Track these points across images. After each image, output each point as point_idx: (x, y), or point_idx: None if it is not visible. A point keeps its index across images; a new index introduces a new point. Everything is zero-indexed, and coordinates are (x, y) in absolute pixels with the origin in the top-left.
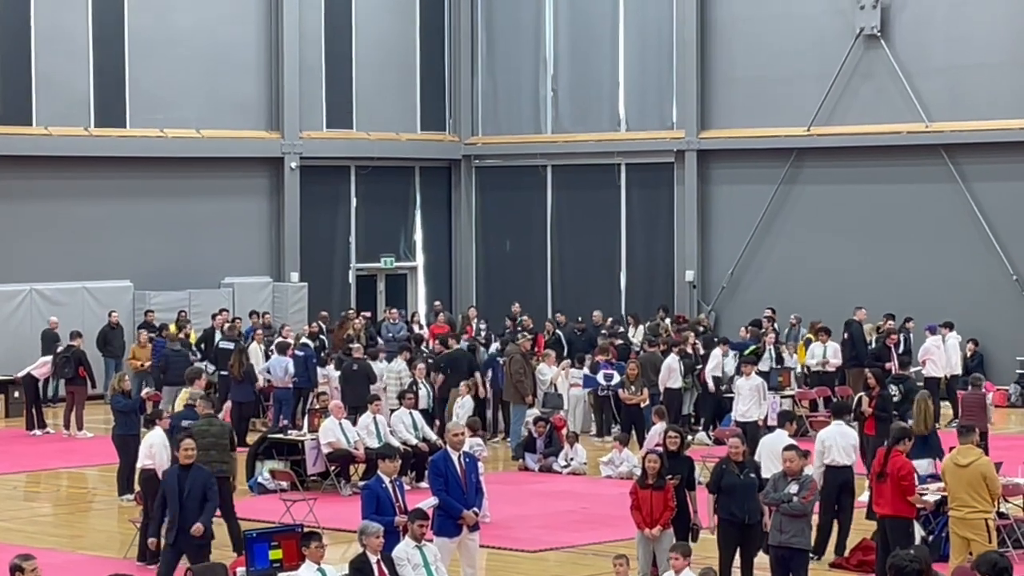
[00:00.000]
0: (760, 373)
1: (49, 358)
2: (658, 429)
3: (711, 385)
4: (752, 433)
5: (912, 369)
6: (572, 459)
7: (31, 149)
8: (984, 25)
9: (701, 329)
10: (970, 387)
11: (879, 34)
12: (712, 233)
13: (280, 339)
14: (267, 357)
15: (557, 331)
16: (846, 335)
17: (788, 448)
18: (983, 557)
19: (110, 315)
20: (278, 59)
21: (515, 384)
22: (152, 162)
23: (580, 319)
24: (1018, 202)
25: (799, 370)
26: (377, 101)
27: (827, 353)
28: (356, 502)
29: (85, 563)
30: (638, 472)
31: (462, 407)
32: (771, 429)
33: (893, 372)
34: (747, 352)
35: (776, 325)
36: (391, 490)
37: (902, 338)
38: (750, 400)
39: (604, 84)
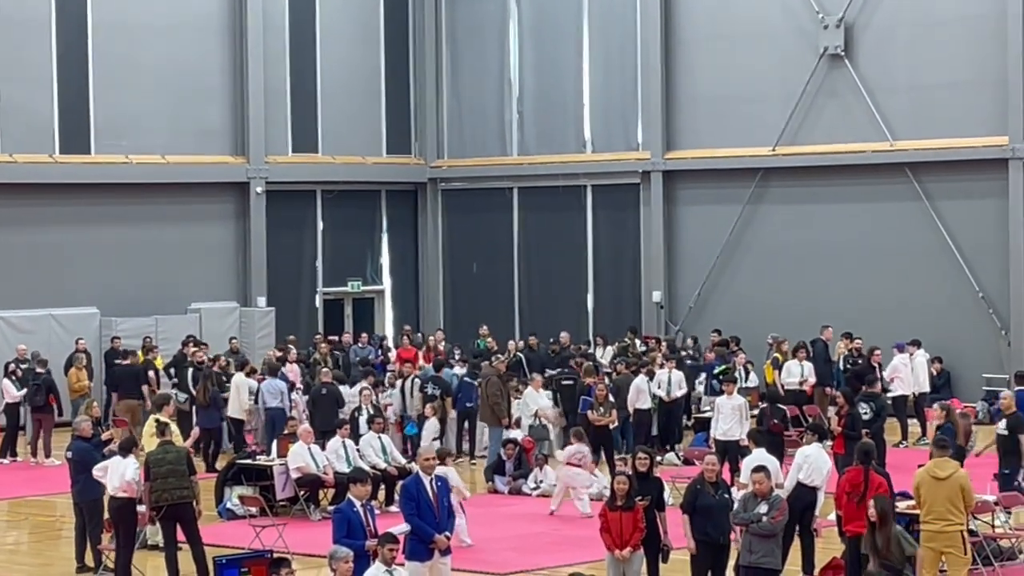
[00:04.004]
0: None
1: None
2: (572, 450)
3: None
4: (733, 452)
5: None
6: (542, 481)
7: None
8: (947, 43)
9: (684, 354)
10: (960, 416)
11: (843, 53)
12: (679, 253)
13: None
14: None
15: (519, 353)
16: (811, 354)
17: (756, 470)
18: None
19: (77, 342)
20: (243, 84)
21: (491, 406)
22: (117, 188)
23: (553, 340)
24: (983, 220)
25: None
26: (342, 125)
27: (805, 372)
28: (326, 527)
29: None
30: (608, 493)
31: (427, 429)
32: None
33: (865, 390)
34: (717, 372)
35: (740, 344)
36: (362, 514)
37: (859, 356)
38: (731, 419)
39: (569, 106)
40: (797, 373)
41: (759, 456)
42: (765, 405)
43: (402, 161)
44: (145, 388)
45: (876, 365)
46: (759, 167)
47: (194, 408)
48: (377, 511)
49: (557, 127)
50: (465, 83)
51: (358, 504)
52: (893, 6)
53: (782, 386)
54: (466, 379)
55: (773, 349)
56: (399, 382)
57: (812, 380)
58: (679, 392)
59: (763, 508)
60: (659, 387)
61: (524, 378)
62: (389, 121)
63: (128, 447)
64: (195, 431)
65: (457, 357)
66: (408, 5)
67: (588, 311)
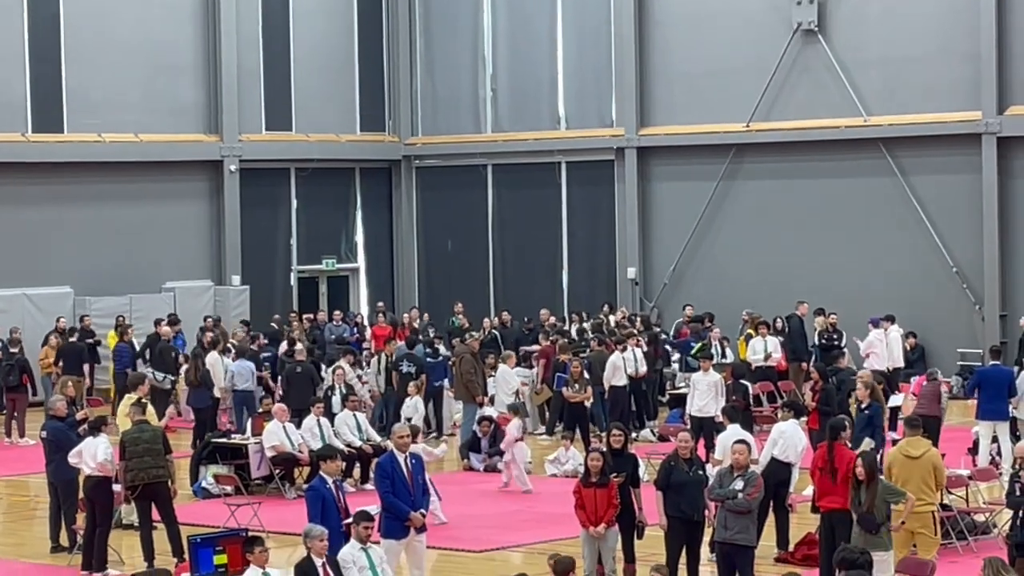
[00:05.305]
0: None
1: None
2: (516, 424)
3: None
4: (709, 428)
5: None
6: None
7: None
8: (920, 19)
9: (657, 330)
10: (927, 379)
11: (816, 29)
12: (653, 230)
13: (239, 343)
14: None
15: (494, 330)
16: (787, 329)
17: (738, 442)
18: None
19: (58, 321)
20: (216, 62)
21: (465, 384)
22: (90, 167)
23: (528, 319)
24: (956, 194)
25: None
26: (316, 103)
27: (768, 347)
28: (301, 505)
29: (28, 571)
30: (582, 470)
31: (412, 408)
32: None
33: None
34: (695, 350)
35: (714, 320)
36: (334, 491)
37: (835, 332)
38: (707, 395)
39: (543, 83)
40: (760, 349)
41: (734, 432)
42: (731, 380)
43: (376, 139)
44: (85, 366)
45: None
46: (733, 143)
47: (175, 388)
48: (352, 489)
49: (531, 104)
50: (439, 60)
51: (330, 481)
52: None
53: (749, 363)
54: (427, 359)
55: (747, 325)
56: (374, 360)
57: (777, 355)
58: (643, 368)
59: (739, 484)
60: (627, 365)
61: (499, 355)
62: (363, 98)
63: (98, 426)
64: (170, 410)
65: (432, 335)
66: None
67: (563, 288)
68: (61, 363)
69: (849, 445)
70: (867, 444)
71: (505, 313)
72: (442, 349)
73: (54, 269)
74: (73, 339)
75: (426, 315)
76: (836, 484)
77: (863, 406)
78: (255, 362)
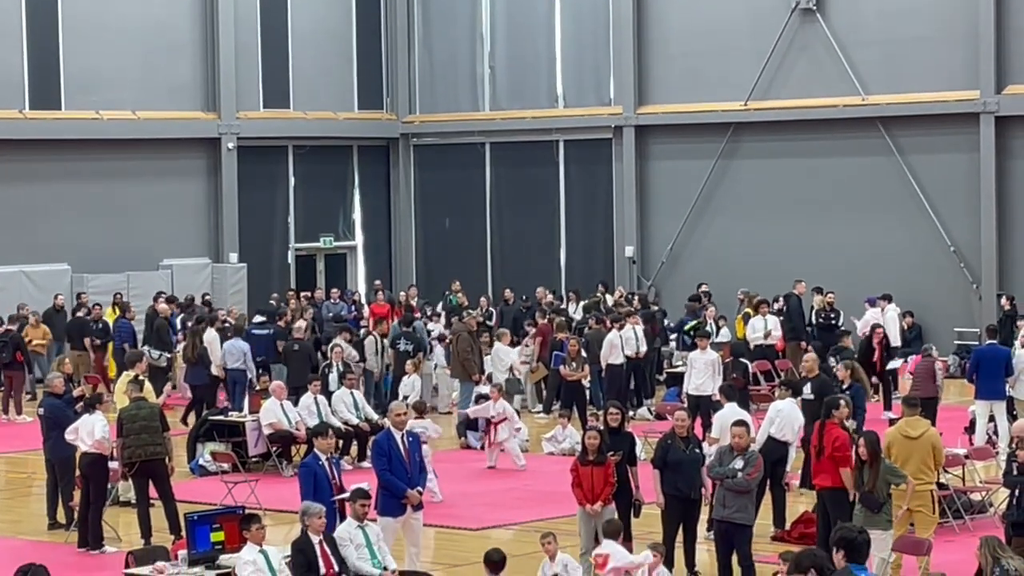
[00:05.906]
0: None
1: None
2: (501, 407)
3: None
4: (705, 407)
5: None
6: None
7: None
8: None
9: (655, 308)
10: (922, 356)
11: (815, 7)
12: (651, 208)
13: (235, 321)
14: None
15: (490, 308)
16: (785, 308)
17: (738, 423)
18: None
19: (55, 298)
20: (214, 39)
21: (462, 362)
22: (88, 144)
23: (525, 297)
24: (954, 174)
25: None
26: (314, 80)
27: (768, 326)
28: (297, 483)
29: (25, 548)
30: (579, 449)
31: (410, 386)
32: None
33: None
34: (688, 327)
35: (711, 299)
36: (327, 468)
37: (832, 310)
38: (704, 374)
39: (541, 61)
40: (760, 328)
41: (731, 410)
42: (730, 359)
43: (374, 116)
44: (86, 341)
45: (875, 347)
46: (731, 122)
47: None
48: (349, 467)
49: (529, 82)
50: (437, 37)
51: (323, 458)
52: None
53: (748, 342)
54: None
55: (744, 304)
56: (369, 340)
57: (776, 334)
58: (643, 348)
59: (738, 463)
60: (627, 344)
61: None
62: (361, 76)
63: (93, 403)
64: (167, 387)
65: (429, 313)
66: None
67: (560, 266)
68: (66, 340)
69: (846, 425)
70: (850, 425)
71: (507, 291)
72: (438, 328)
73: (51, 246)
74: (80, 314)
75: (413, 290)
76: (824, 462)
77: (844, 387)
78: (281, 338)
